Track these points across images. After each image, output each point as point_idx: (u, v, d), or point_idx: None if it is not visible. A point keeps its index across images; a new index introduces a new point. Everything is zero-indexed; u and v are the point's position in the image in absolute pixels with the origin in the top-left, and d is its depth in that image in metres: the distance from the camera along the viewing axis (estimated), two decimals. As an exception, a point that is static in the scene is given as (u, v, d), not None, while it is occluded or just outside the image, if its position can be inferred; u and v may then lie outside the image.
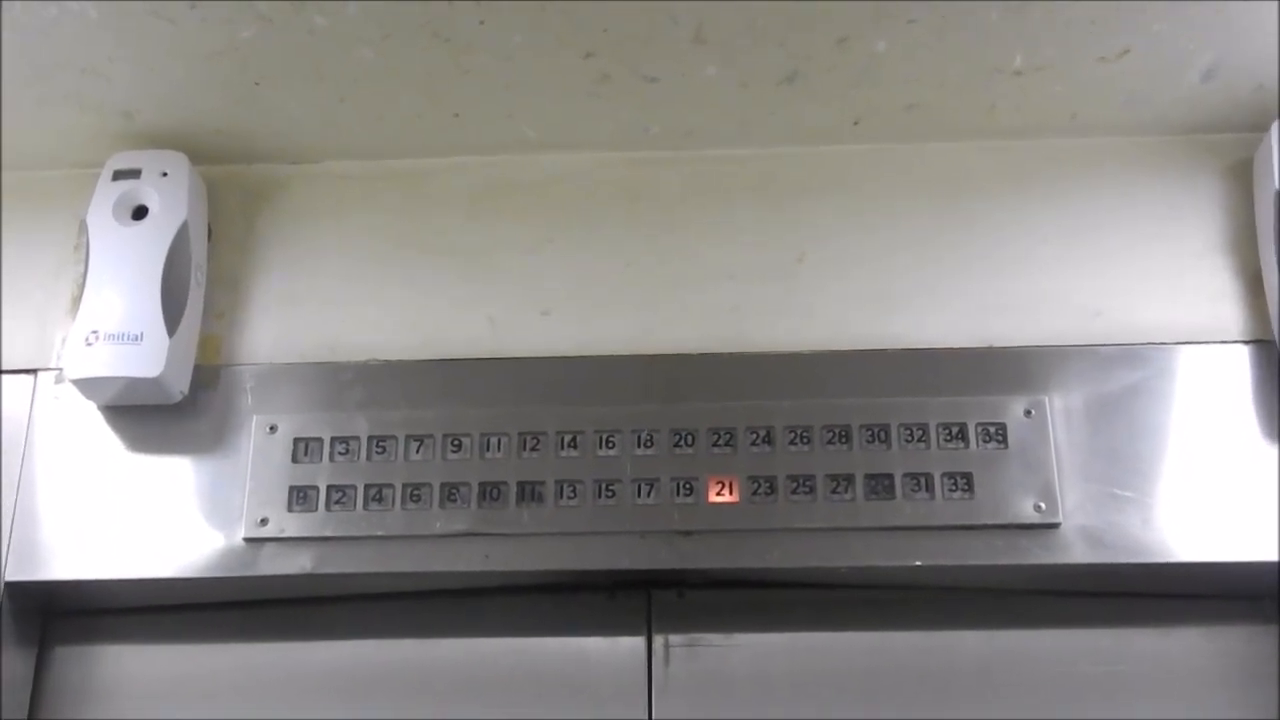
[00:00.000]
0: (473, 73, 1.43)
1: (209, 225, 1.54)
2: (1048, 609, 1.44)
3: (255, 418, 1.46)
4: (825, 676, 1.44)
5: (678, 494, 1.40)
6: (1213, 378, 1.42)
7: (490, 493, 1.41)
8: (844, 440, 1.41)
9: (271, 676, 1.47)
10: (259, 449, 1.44)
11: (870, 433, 1.41)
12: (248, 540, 1.41)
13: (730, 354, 1.47)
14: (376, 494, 1.41)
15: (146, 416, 1.47)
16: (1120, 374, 1.43)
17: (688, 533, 1.39)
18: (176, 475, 1.45)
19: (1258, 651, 1.42)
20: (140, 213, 1.48)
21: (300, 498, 1.41)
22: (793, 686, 1.43)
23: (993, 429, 1.40)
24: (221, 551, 1.41)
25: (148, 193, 1.48)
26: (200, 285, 1.49)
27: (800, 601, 1.46)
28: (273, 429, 1.45)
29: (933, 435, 1.40)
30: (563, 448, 1.42)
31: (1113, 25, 1.36)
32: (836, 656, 1.45)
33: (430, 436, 1.43)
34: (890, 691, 1.43)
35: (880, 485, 1.39)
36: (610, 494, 1.40)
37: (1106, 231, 1.50)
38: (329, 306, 1.52)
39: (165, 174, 1.49)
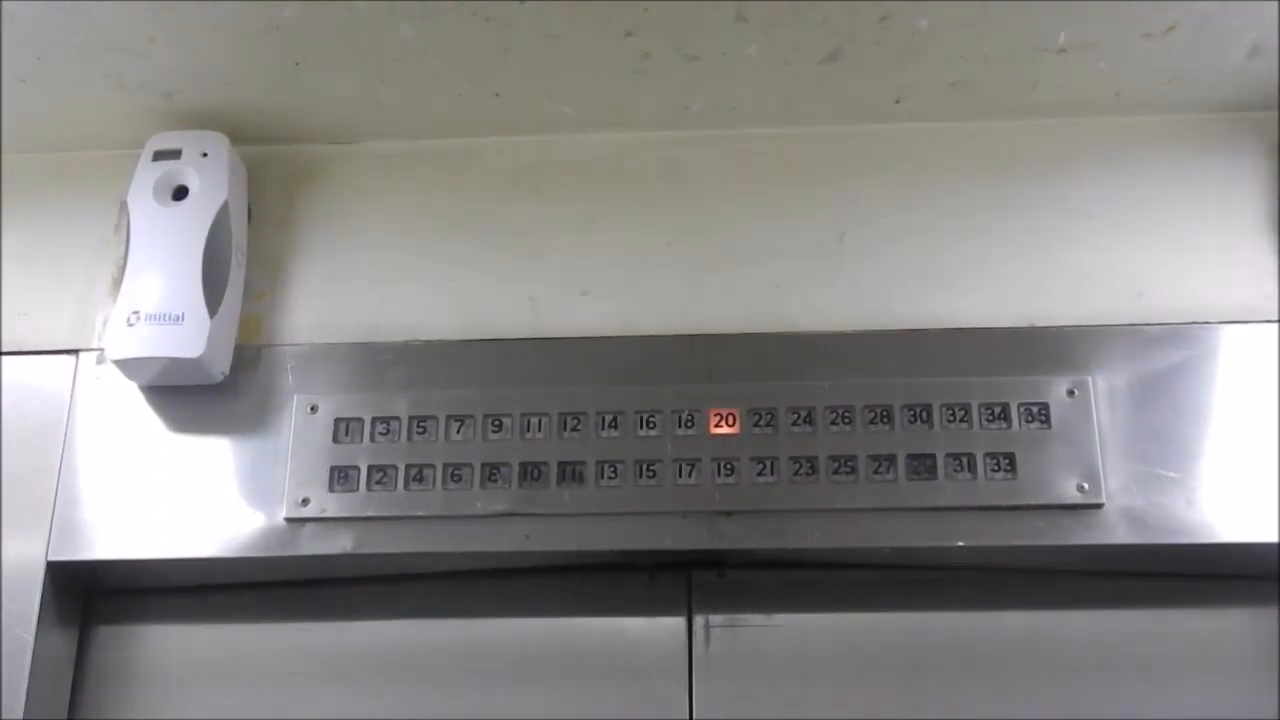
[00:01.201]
0: (514, 52, 1.42)
1: (249, 205, 1.54)
2: (1091, 589, 1.44)
3: (296, 398, 1.46)
4: (866, 657, 1.44)
5: (718, 474, 1.39)
6: (1257, 357, 1.41)
7: (531, 473, 1.41)
8: (886, 420, 1.40)
9: (311, 656, 1.48)
10: (300, 429, 1.44)
11: (912, 413, 1.40)
12: (289, 520, 1.41)
13: (771, 333, 1.47)
14: (417, 474, 1.41)
15: (187, 396, 1.47)
16: (1164, 353, 1.42)
17: (729, 513, 1.38)
18: (217, 455, 1.45)
19: (1305, 633, 1.41)
20: (181, 193, 1.48)
21: (341, 478, 1.42)
22: (833, 667, 1.43)
23: (1035, 409, 1.40)
24: (262, 531, 1.42)
25: (188, 173, 1.48)
26: (241, 265, 1.50)
27: (841, 582, 1.46)
28: (314, 409, 1.45)
29: (975, 415, 1.40)
30: (604, 428, 1.42)
31: (1157, 2, 1.35)
32: (877, 637, 1.44)
33: (471, 417, 1.43)
34: (931, 672, 1.43)
35: (922, 465, 1.38)
36: (651, 474, 1.40)
37: (1150, 210, 1.49)
38: (370, 287, 1.52)
39: (205, 154, 1.49)
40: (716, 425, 1.41)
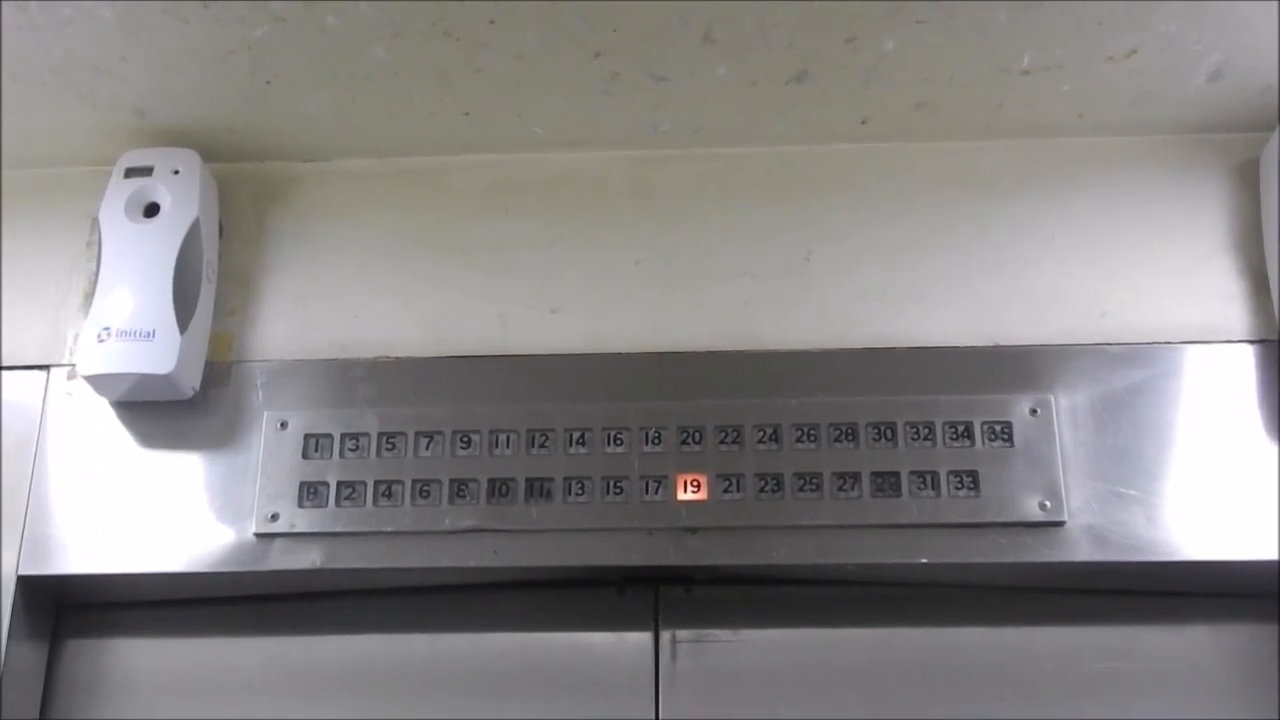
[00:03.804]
0: (484, 71, 1.43)
1: (221, 222, 1.55)
2: (1053, 606, 1.45)
3: (266, 414, 1.47)
4: (832, 672, 1.45)
5: (685, 491, 1.40)
6: (1218, 377, 1.43)
7: (499, 489, 1.41)
8: (851, 438, 1.41)
9: (281, 670, 1.49)
10: (270, 445, 1.45)
11: (877, 430, 1.42)
12: (258, 535, 1.42)
13: (738, 351, 1.48)
14: (386, 490, 1.42)
15: (158, 412, 1.48)
16: (1126, 373, 1.43)
17: (695, 529, 1.39)
18: (188, 471, 1.46)
19: (1261, 650, 1.42)
20: (152, 210, 1.48)
21: (311, 493, 1.42)
22: (799, 682, 1.44)
23: (999, 427, 1.41)
24: (232, 546, 1.42)
25: (159, 190, 1.49)
26: (212, 282, 1.50)
27: (807, 598, 1.47)
28: (283, 425, 1.46)
29: (939, 433, 1.41)
30: (571, 445, 1.43)
31: (1120, 25, 1.36)
32: (843, 652, 1.45)
33: (440, 433, 1.44)
34: (896, 687, 1.44)
35: (887, 483, 1.39)
36: (618, 490, 1.41)
37: (1113, 231, 1.51)
38: (340, 303, 1.53)
39: (177, 172, 1.50)
40: (683, 442, 1.42)
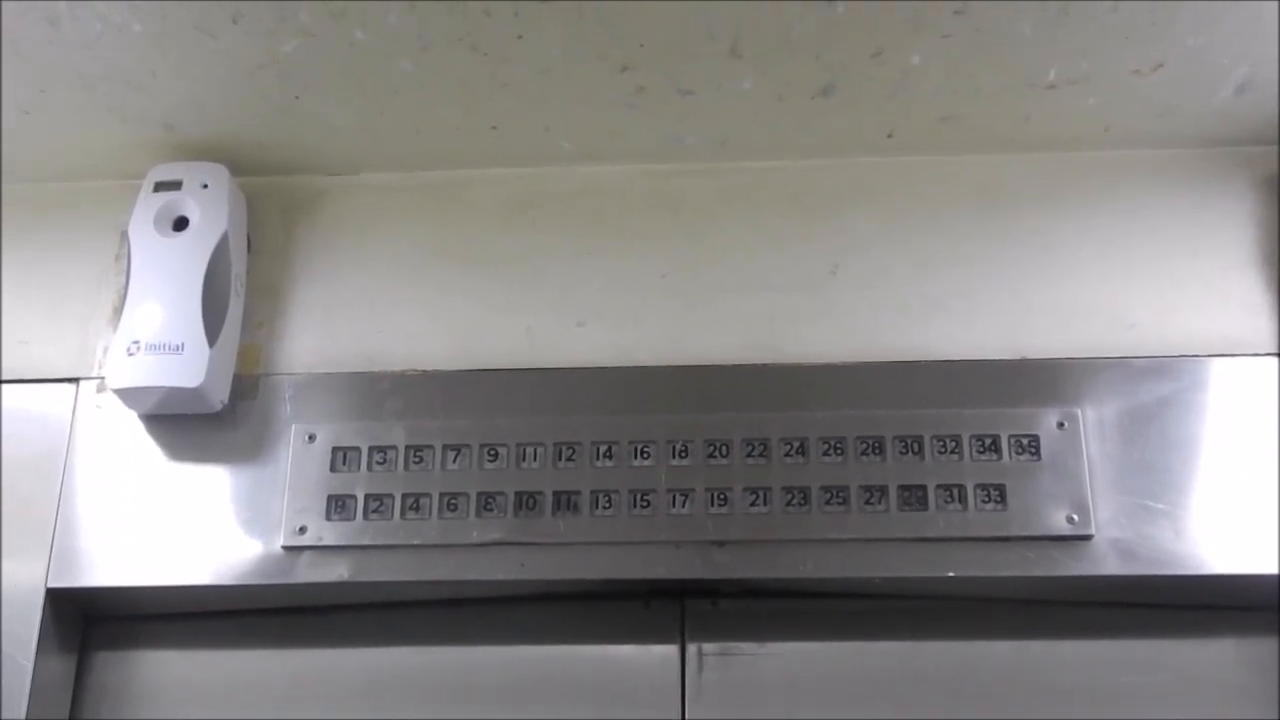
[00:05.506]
0: (510, 85, 1.44)
1: (249, 236, 1.55)
2: (1080, 620, 1.44)
3: (294, 427, 1.47)
4: (858, 685, 1.44)
5: (712, 504, 1.40)
6: (1245, 390, 1.42)
7: (526, 502, 1.42)
8: (877, 451, 1.41)
9: (308, 683, 1.49)
10: (297, 458, 1.45)
11: (904, 444, 1.41)
12: (286, 548, 1.42)
13: (764, 365, 1.48)
14: (414, 503, 1.42)
15: (187, 425, 1.48)
16: (1153, 386, 1.43)
17: (722, 543, 1.39)
18: (216, 484, 1.46)
19: (1293, 664, 1.42)
20: (181, 224, 1.49)
21: (338, 506, 1.43)
22: (825, 695, 1.44)
23: (1026, 441, 1.41)
24: (260, 559, 1.43)
25: (188, 204, 1.50)
26: (240, 295, 1.51)
27: (833, 611, 1.47)
28: (311, 438, 1.46)
29: (966, 447, 1.41)
30: (598, 458, 1.43)
31: (1147, 39, 1.36)
32: (869, 666, 1.45)
33: (467, 446, 1.44)
34: (922, 701, 1.43)
35: (913, 496, 1.39)
36: (645, 504, 1.41)
37: (1140, 243, 1.50)
38: (367, 316, 1.53)
39: (206, 185, 1.50)
40: (710, 456, 1.42)
